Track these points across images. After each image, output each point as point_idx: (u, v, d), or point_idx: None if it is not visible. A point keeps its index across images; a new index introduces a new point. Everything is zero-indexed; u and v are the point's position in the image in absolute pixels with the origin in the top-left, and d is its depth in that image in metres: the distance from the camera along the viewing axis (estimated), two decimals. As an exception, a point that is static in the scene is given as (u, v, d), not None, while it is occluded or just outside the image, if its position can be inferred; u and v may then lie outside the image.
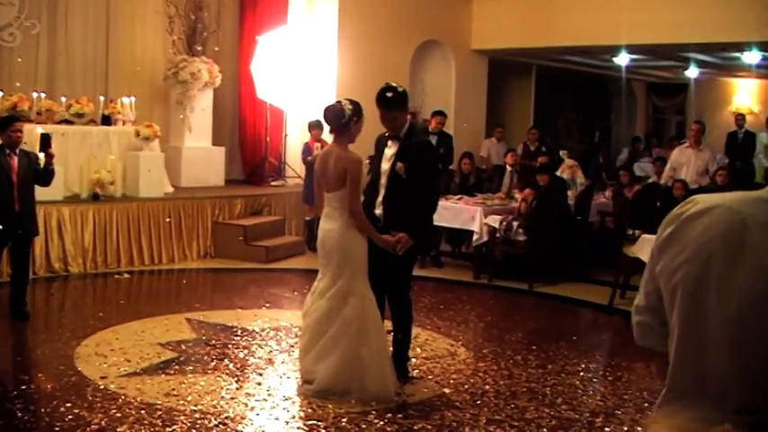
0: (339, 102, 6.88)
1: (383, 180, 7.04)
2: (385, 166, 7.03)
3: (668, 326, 2.43)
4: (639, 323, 2.67)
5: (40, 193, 10.55)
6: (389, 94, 7.05)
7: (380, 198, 7.04)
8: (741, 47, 16.53)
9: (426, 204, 7.13)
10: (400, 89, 7.14)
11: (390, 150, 7.09)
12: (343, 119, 6.76)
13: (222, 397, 6.82)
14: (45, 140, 9.18)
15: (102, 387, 6.91)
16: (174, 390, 6.93)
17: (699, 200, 2.40)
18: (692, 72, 22.41)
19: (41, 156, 9.22)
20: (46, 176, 9.30)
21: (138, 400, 6.63)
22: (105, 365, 7.54)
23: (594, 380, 7.95)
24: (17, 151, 8.96)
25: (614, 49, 18.28)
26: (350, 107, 6.80)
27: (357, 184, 6.72)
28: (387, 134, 7.21)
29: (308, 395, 6.80)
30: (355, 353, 6.66)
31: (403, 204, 6.87)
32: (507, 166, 15.11)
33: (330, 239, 6.78)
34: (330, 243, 6.78)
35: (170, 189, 13.50)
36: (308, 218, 13.70)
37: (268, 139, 15.67)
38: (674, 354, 2.38)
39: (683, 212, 2.39)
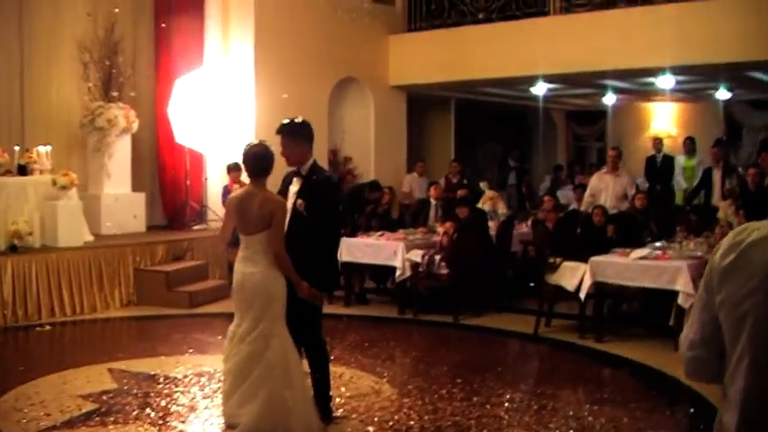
0: (263, 145, 6.79)
1: (287, 217, 7.00)
2: (289, 203, 7.00)
3: (726, 358, 2.40)
4: (694, 358, 2.63)
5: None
6: (286, 122, 7.11)
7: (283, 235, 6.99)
8: (655, 72, 16.78)
9: (326, 242, 7.09)
10: (299, 120, 7.16)
11: (294, 187, 7.07)
12: (270, 161, 6.73)
13: (144, 447, 6.73)
14: None
15: (20, 443, 6.79)
16: (94, 442, 6.82)
17: (755, 227, 2.38)
18: (610, 99, 22.70)
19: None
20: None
21: (58, 454, 6.52)
22: (24, 421, 7.39)
23: (519, 410, 7.93)
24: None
25: (531, 80, 18.48)
26: (272, 149, 6.80)
27: (282, 225, 6.67)
28: (291, 171, 7.18)
29: (233, 440, 6.72)
30: (279, 395, 6.59)
31: (304, 242, 6.83)
32: (432, 200, 15.15)
33: (252, 283, 6.69)
34: (252, 286, 6.69)
35: (90, 237, 13.34)
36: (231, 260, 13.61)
37: (188, 182, 15.59)
38: (747, 382, 2.35)
39: (742, 240, 2.37)
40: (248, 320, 6.70)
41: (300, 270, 6.72)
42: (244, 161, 6.83)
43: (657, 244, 11.31)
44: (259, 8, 15.78)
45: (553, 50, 16.17)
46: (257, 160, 6.73)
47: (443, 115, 22.20)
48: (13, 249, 11.98)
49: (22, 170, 12.91)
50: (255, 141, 6.87)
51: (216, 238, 13.80)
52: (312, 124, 7.24)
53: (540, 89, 19.66)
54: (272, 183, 6.99)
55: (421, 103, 20.64)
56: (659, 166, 18.14)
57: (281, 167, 7.23)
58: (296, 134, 7.07)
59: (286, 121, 7.14)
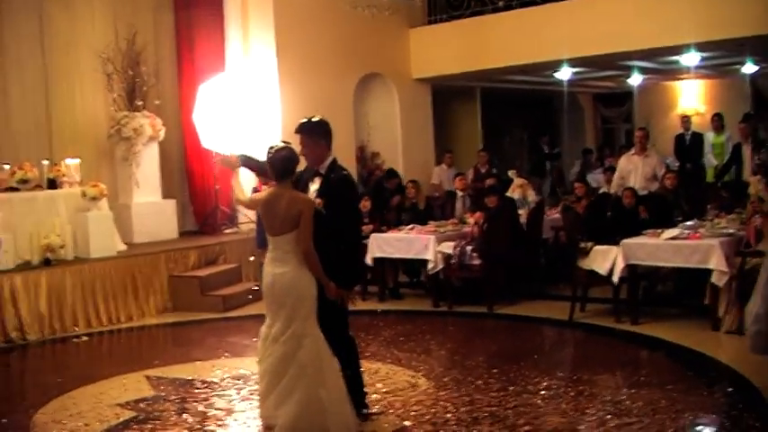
0: (288, 148, 6.79)
1: None
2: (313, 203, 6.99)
3: None
4: (757, 332, 2.62)
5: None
6: (303, 120, 7.12)
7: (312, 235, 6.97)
8: (679, 50, 16.66)
9: (345, 240, 7.07)
10: (316, 118, 7.16)
11: (314, 186, 7.07)
12: (297, 163, 6.75)
13: (182, 453, 6.76)
14: None
15: (60, 455, 6.84)
16: (133, 450, 6.86)
17: None
18: (636, 79, 22.56)
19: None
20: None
21: (97, 464, 6.56)
22: (63, 432, 7.46)
23: (556, 397, 7.90)
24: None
25: (555, 65, 18.39)
26: (296, 150, 6.81)
27: (311, 224, 6.65)
28: (303, 170, 7.17)
29: (271, 441, 6.73)
30: (314, 394, 6.58)
31: (325, 240, 6.82)
32: (458, 191, 15.12)
33: (282, 283, 6.68)
34: (283, 286, 6.69)
35: (122, 247, 13.42)
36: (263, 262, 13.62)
37: (217, 187, 15.63)
38: None
39: None
40: (280, 321, 6.69)
41: (324, 269, 6.72)
42: (270, 164, 6.80)
43: (689, 223, 11.23)
44: (278, 9, 15.79)
45: (575, 34, 16.08)
46: (284, 163, 6.73)
47: (469, 105, 22.17)
48: (46, 263, 12.05)
49: (52, 184, 12.99)
50: (279, 144, 6.84)
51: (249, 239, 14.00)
52: (338, 121, 7.26)
53: (564, 74, 19.57)
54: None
55: (445, 95, 20.59)
56: (688, 145, 18.06)
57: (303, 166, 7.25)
58: (314, 133, 7.07)
59: (304, 120, 7.14)
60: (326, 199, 6.94)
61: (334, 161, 7.16)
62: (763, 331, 2.16)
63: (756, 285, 2.27)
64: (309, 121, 7.14)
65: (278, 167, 6.75)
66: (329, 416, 6.60)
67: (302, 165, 7.09)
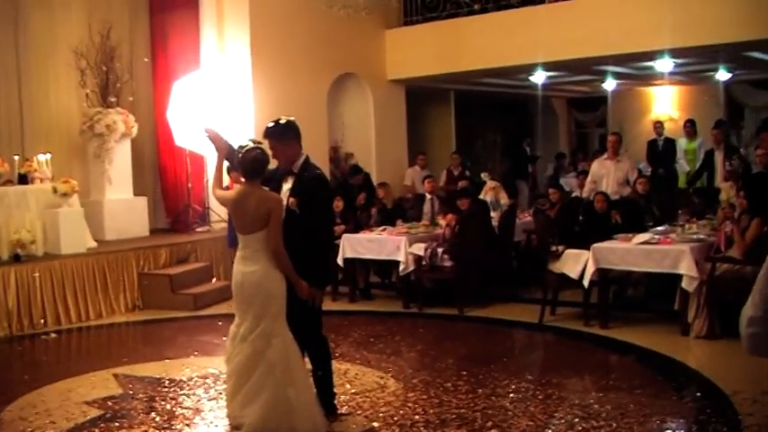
0: (258, 148, 6.72)
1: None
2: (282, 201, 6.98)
3: None
4: (753, 335, 2.62)
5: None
6: (270, 125, 7.07)
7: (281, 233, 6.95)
8: (653, 56, 16.74)
9: (318, 239, 7.06)
10: (283, 121, 7.10)
11: (287, 186, 7.05)
12: (268, 164, 6.73)
13: (149, 451, 6.72)
14: None
15: (25, 452, 6.79)
16: (99, 448, 6.82)
17: None
18: (610, 84, 22.69)
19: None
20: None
21: (63, 462, 6.51)
22: (30, 429, 7.39)
23: (525, 400, 7.90)
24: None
25: (530, 68, 18.45)
26: (267, 150, 6.78)
27: (280, 223, 6.64)
28: (276, 168, 7.15)
29: (237, 441, 6.70)
30: (282, 394, 6.56)
31: (299, 239, 6.81)
32: (426, 194, 15.11)
33: (251, 282, 6.66)
34: (252, 285, 6.66)
35: (93, 244, 13.35)
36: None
37: (190, 185, 15.61)
38: None
39: None
40: (249, 320, 6.67)
41: (296, 268, 6.70)
42: (240, 165, 6.78)
43: (660, 228, 11.29)
44: (254, 7, 15.72)
45: (550, 38, 16.12)
46: (253, 164, 6.68)
47: (443, 107, 22.19)
48: (16, 259, 11.98)
49: (23, 179, 12.93)
50: (250, 144, 6.80)
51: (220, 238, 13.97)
52: (311, 121, 7.27)
53: (539, 77, 19.67)
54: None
55: (420, 96, 20.60)
56: (661, 150, 18.09)
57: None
58: (283, 136, 7.03)
59: (270, 124, 7.07)
60: (300, 198, 6.92)
61: (307, 159, 7.13)
62: (759, 333, 2.18)
63: (754, 288, 2.29)
64: (277, 124, 7.08)
65: (247, 168, 6.71)
66: (297, 416, 6.58)
67: (273, 163, 7.07)
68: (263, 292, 6.63)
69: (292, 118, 7.20)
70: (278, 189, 7.02)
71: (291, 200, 6.91)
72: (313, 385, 7.05)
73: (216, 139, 7.13)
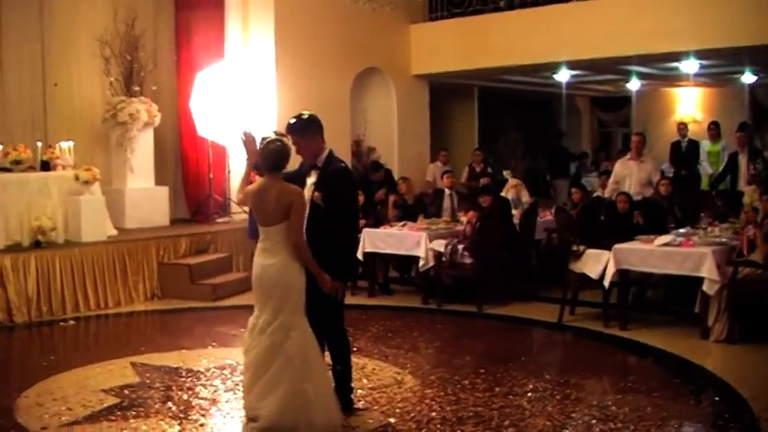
0: (280, 141, 6.70)
1: (306, 209, 6.97)
2: (306, 195, 6.97)
3: None
4: None
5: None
6: (292, 121, 7.06)
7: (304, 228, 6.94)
8: (678, 56, 16.68)
9: (344, 233, 7.05)
10: (305, 116, 7.09)
11: (311, 180, 7.04)
12: (289, 156, 6.70)
13: (164, 441, 6.72)
14: None
15: (41, 438, 6.80)
16: (115, 437, 6.82)
17: None
18: (634, 84, 22.62)
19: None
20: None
21: (79, 449, 6.52)
22: (46, 416, 7.40)
23: (542, 399, 7.87)
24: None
25: (554, 66, 18.42)
26: (289, 143, 6.75)
27: (302, 216, 6.64)
28: (302, 163, 7.14)
29: (254, 433, 6.70)
30: (299, 388, 6.54)
31: (323, 233, 6.81)
32: (445, 189, 15.07)
33: (270, 274, 6.65)
34: (271, 278, 6.65)
35: (113, 232, 13.37)
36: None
37: (211, 176, 15.60)
38: None
39: None
40: (267, 312, 6.66)
41: (320, 262, 6.68)
42: (262, 157, 6.76)
43: (682, 230, 11.23)
44: (279, 1, 15.71)
45: (576, 36, 16.08)
46: (275, 157, 6.67)
47: (466, 103, 22.11)
48: (36, 245, 12.02)
49: (45, 166, 12.94)
50: (272, 136, 6.78)
51: (241, 229, 13.96)
52: (334, 115, 7.27)
53: (563, 76, 19.62)
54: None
55: (443, 92, 20.54)
56: (684, 152, 18.02)
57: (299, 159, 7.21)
58: (307, 131, 7.03)
59: (292, 120, 7.06)
60: (324, 192, 6.91)
61: (331, 153, 7.13)
62: None
63: None
64: (299, 119, 7.06)
65: (269, 160, 6.70)
66: (314, 410, 6.56)
67: (296, 159, 7.06)
68: (282, 285, 6.62)
69: (314, 112, 7.18)
70: (302, 184, 7.01)
71: (316, 194, 6.92)
72: (331, 379, 7.04)
73: (250, 143, 7.04)
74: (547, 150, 23.42)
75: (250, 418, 6.83)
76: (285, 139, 6.75)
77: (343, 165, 7.21)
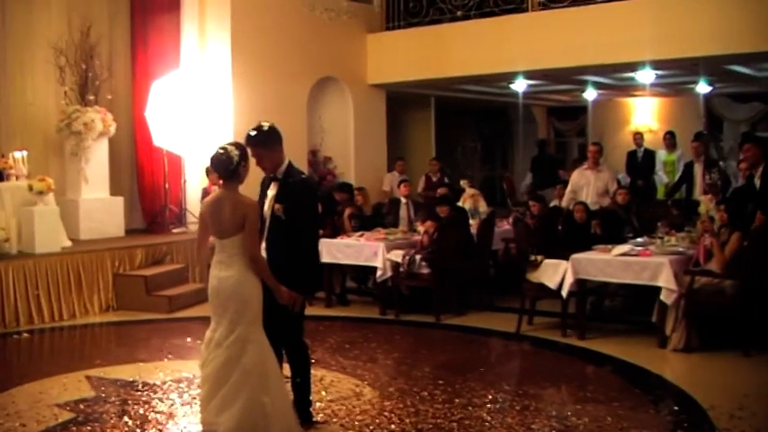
0: (224, 149, 6.63)
1: (267, 222, 6.92)
2: (267, 207, 6.92)
3: None
4: None
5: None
6: (253, 133, 6.96)
7: (264, 241, 6.89)
8: (634, 67, 16.77)
9: (306, 245, 7.01)
10: (266, 127, 7.00)
11: (271, 192, 6.99)
12: (231, 165, 6.59)
13: (120, 456, 6.63)
14: None
15: (-6, 455, 6.68)
16: (70, 452, 6.72)
17: None
18: (591, 94, 22.70)
19: None
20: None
21: (33, 466, 6.41)
22: (-1, 432, 7.31)
23: (502, 411, 7.84)
24: None
25: (511, 76, 18.48)
26: (236, 153, 6.62)
27: (255, 228, 6.57)
28: (268, 176, 7.09)
29: (211, 448, 6.61)
30: (257, 401, 6.47)
31: (284, 246, 6.76)
32: (402, 198, 15.05)
33: (226, 287, 6.57)
34: (227, 290, 6.57)
35: (68, 243, 13.21)
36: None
37: (167, 186, 15.44)
38: None
39: None
40: (224, 325, 6.57)
41: (282, 274, 6.64)
42: (212, 166, 6.75)
43: (639, 240, 11.28)
44: (236, 8, 15.62)
45: (532, 47, 16.15)
46: (217, 164, 6.64)
47: (423, 113, 22.15)
48: (-11, 256, 11.87)
49: (-2, 176, 12.80)
50: (224, 145, 6.73)
51: (195, 240, 13.81)
52: (291, 124, 7.22)
53: (519, 86, 19.68)
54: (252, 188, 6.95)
55: (400, 102, 20.55)
56: (640, 161, 18.12)
57: (258, 172, 7.13)
58: (267, 142, 6.96)
59: (252, 132, 6.96)
60: (285, 204, 6.86)
61: (290, 165, 7.07)
62: None
63: None
64: (260, 131, 6.98)
65: (217, 169, 6.71)
66: (272, 423, 6.49)
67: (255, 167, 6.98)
68: (238, 298, 6.54)
69: (273, 123, 7.11)
70: (264, 195, 6.97)
71: (277, 206, 6.86)
72: (289, 392, 6.97)
73: None
74: (534, 161, 23.31)
75: (208, 433, 6.75)
76: (230, 148, 6.66)
77: (303, 176, 7.16)
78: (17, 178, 12.95)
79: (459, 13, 17.73)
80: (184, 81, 15.23)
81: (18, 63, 14.45)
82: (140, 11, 16.03)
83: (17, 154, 13.16)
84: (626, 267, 10.35)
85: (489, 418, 7.57)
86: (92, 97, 14.49)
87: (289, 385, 7.10)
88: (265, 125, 7.03)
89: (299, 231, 6.86)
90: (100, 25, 15.09)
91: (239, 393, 6.44)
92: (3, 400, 8.22)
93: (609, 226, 12.25)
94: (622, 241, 11.25)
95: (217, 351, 6.57)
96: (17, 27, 14.42)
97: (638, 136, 19.13)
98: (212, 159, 6.67)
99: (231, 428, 6.41)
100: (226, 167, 6.60)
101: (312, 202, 7.22)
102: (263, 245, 6.89)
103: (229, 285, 6.56)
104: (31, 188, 12.56)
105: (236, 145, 6.69)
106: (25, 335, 11.44)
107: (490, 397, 8.24)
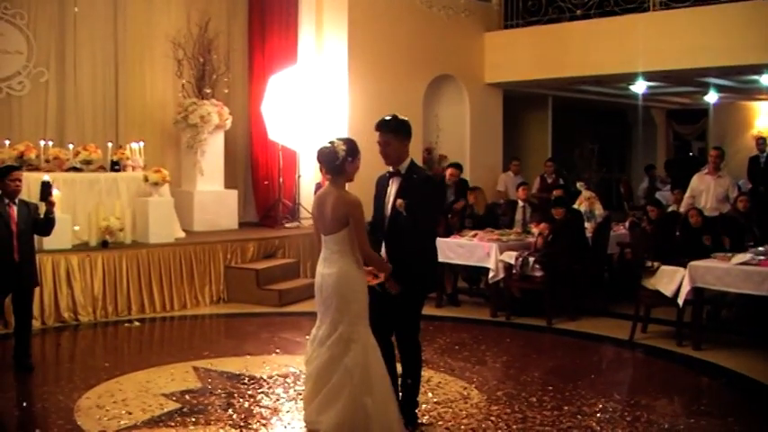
0: (331, 142, 6.57)
1: (386, 218, 6.84)
2: (388, 204, 6.84)
3: None
4: None
5: (49, 241, 10.69)
6: (387, 118, 6.94)
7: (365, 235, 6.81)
8: (758, 69, 16.33)
9: (427, 241, 6.92)
10: (401, 118, 6.97)
11: (393, 187, 6.90)
12: (336, 160, 6.51)
13: (223, 450, 6.61)
14: (45, 188, 9.07)
15: (98, 442, 6.73)
16: (173, 444, 6.73)
17: None
18: (712, 97, 22.22)
19: (42, 204, 9.11)
20: (46, 226, 9.21)
21: (135, 456, 6.42)
22: (105, 419, 7.36)
23: (612, 421, 7.61)
24: (16, 201, 8.86)
25: (630, 77, 18.13)
26: (342, 147, 6.53)
27: (363, 225, 6.48)
28: (388, 172, 6.99)
29: (313, 446, 6.54)
30: (359, 402, 6.37)
31: (405, 242, 6.68)
32: (519, 201, 14.85)
33: (328, 284, 6.50)
34: (329, 287, 6.50)
35: (181, 234, 13.38)
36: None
37: (281, 180, 15.51)
38: None
39: None
40: (327, 323, 6.52)
41: (401, 271, 6.62)
42: (318, 159, 6.71)
43: (761, 248, 10.88)
44: (353, 5, 15.63)
45: (653, 47, 15.80)
46: (324, 158, 6.58)
47: (540, 113, 21.92)
48: (104, 245, 12.02)
49: (115, 166, 12.95)
50: (333, 139, 6.67)
51: (307, 236, 13.84)
52: (406, 122, 7.05)
53: (639, 87, 19.30)
54: (367, 187, 6.89)
55: (517, 101, 20.35)
56: (763, 167, 17.62)
57: (373, 167, 7.05)
58: (401, 131, 6.92)
59: (388, 117, 6.94)
60: (409, 199, 6.78)
61: (413, 162, 7.01)
62: None
63: None
64: (396, 118, 6.95)
65: (321, 162, 6.68)
66: (373, 424, 6.38)
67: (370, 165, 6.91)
68: (340, 296, 6.47)
69: (405, 119, 7.02)
70: (382, 192, 6.90)
71: (399, 201, 6.77)
72: (393, 393, 6.81)
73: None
74: (672, 162, 22.72)
75: (310, 431, 6.68)
76: (337, 142, 6.58)
77: (429, 173, 7.11)
78: (133, 169, 13.12)
79: (578, 12, 17.48)
80: (301, 77, 15.27)
81: (137, 57, 14.73)
82: (258, 8, 16.16)
83: (134, 145, 13.35)
84: (746, 277, 9.97)
85: (599, 429, 7.35)
86: (208, 91, 14.65)
87: (398, 383, 6.99)
88: (401, 117, 6.96)
89: (421, 227, 6.80)
90: (218, 21, 15.29)
91: (341, 393, 6.36)
92: (110, 387, 8.33)
93: (729, 233, 11.89)
94: (743, 250, 10.88)
95: (320, 350, 6.51)
96: (137, 22, 14.69)
97: (760, 141, 18.60)
98: (318, 152, 6.62)
99: (332, 428, 6.34)
100: (331, 161, 6.53)
101: (435, 199, 7.17)
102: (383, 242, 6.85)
103: (331, 283, 6.50)
104: (146, 179, 12.74)
105: (346, 140, 6.60)
106: (136, 323, 11.61)
107: (600, 406, 8.02)
